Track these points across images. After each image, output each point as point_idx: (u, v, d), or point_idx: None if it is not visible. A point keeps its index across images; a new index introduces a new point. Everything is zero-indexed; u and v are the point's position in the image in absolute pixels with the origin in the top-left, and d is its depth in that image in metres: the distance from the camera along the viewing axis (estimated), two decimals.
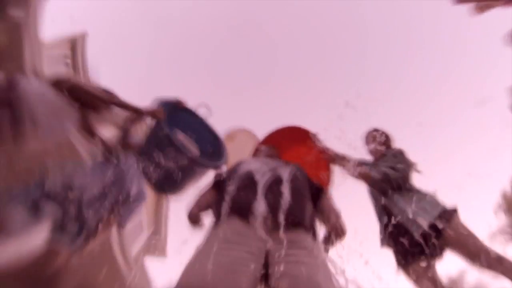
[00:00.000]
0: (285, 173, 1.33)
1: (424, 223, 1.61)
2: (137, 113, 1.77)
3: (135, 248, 5.19)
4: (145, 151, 1.75)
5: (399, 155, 1.93)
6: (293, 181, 1.31)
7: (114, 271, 3.80)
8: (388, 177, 1.77)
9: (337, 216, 1.31)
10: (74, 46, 5.62)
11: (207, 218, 1.36)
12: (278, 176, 1.30)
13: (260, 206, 1.12)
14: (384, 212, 1.82)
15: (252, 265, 0.94)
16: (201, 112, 1.97)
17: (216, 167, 1.80)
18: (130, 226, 5.12)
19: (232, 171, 1.49)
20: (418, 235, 1.60)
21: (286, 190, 1.22)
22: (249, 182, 1.29)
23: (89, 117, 1.89)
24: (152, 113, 1.73)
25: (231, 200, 1.19)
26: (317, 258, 1.03)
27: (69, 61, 5.49)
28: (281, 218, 1.08)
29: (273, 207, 1.12)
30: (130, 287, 4.04)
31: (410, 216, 1.66)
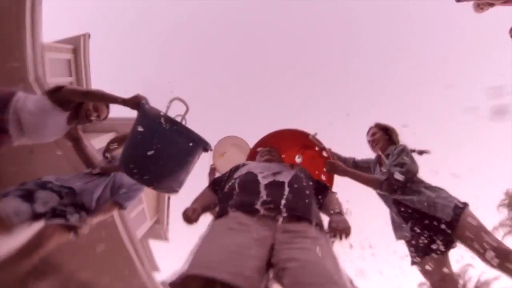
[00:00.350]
0: (288, 176, 1.34)
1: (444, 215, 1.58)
2: (120, 102, 1.68)
3: (139, 234, 5.64)
4: (132, 148, 1.62)
5: (403, 152, 1.84)
6: (296, 181, 1.32)
7: (122, 254, 4.22)
8: (393, 176, 1.70)
9: (340, 211, 1.28)
10: (77, 47, 5.77)
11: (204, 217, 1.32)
12: (280, 178, 1.31)
13: (264, 201, 1.13)
14: (394, 206, 1.80)
15: (258, 250, 0.95)
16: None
17: (205, 146, 1.64)
18: (134, 215, 5.57)
19: (233, 171, 1.52)
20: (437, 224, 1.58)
21: (288, 188, 1.23)
22: (252, 180, 1.30)
23: (77, 128, 1.97)
24: (134, 99, 1.61)
25: (235, 197, 1.21)
26: (323, 246, 1.03)
27: (71, 61, 5.64)
28: (285, 212, 1.10)
29: (276, 202, 1.13)
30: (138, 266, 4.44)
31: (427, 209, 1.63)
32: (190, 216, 1.21)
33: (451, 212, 1.57)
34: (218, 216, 1.18)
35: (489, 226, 1.71)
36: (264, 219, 1.08)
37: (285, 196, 1.17)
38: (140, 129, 1.55)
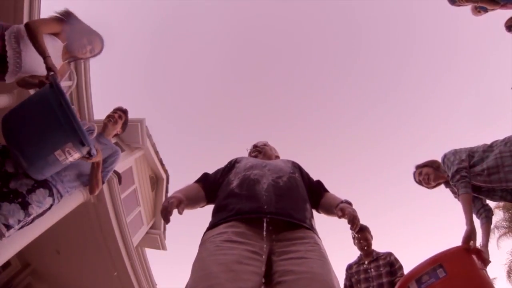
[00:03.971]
0: (284, 178, 1.31)
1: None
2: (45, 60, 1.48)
3: (135, 240, 5.54)
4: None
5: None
6: (292, 183, 1.30)
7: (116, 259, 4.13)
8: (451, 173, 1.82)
9: (347, 201, 1.27)
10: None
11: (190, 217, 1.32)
12: (278, 181, 1.28)
13: (262, 208, 1.11)
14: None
15: (255, 263, 0.96)
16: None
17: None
18: (130, 219, 5.48)
19: (227, 170, 1.45)
20: None
21: (285, 193, 1.22)
22: (249, 186, 1.25)
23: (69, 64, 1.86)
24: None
25: (231, 205, 1.17)
26: (320, 253, 1.04)
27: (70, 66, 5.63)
28: (282, 219, 1.10)
29: (274, 210, 1.12)
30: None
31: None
32: (170, 208, 1.09)
33: None
34: (215, 224, 1.13)
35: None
36: (262, 228, 1.06)
37: (282, 203, 1.15)
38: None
